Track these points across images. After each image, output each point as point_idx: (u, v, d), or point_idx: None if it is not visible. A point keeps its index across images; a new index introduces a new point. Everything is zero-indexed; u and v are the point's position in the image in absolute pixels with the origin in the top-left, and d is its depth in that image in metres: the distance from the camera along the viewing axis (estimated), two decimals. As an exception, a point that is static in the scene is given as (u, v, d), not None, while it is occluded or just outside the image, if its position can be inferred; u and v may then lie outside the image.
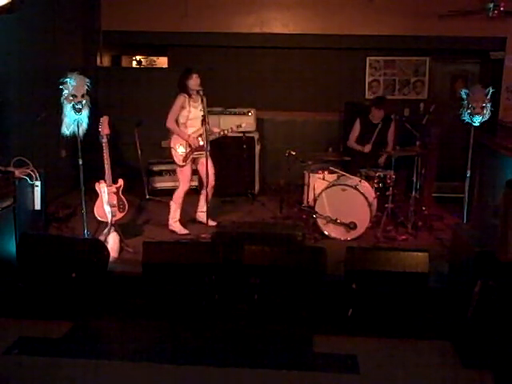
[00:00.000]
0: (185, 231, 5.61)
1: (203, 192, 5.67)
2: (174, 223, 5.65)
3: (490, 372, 3.29)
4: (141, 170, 7.06)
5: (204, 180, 5.50)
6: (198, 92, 5.37)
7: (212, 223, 5.56)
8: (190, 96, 5.47)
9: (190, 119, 5.50)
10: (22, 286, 4.24)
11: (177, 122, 5.51)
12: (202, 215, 5.72)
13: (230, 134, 5.90)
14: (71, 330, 3.82)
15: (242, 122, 6.02)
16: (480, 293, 3.68)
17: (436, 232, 5.77)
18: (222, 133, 5.74)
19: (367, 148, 6.24)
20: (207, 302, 4.13)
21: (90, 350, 3.63)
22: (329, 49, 7.85)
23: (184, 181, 5.58)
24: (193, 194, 7.09)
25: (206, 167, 5.30)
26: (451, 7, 7.15)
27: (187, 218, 6.05)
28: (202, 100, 5.26)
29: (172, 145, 5.52)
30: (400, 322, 3.92)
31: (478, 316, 3.74)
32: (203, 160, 5.42)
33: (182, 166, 5.53)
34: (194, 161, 5.65)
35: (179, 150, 5.49)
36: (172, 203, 5.65)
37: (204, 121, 5.27)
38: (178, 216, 5.66)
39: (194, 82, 5.43)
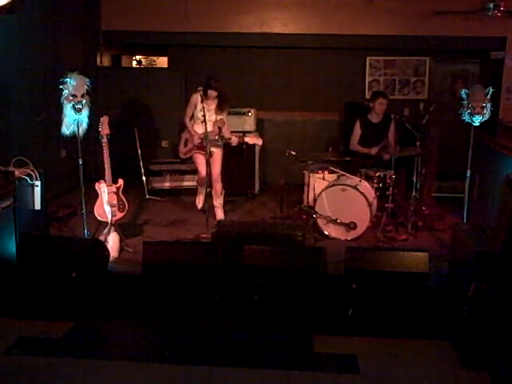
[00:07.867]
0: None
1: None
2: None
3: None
4: (141, 170, 7.06)
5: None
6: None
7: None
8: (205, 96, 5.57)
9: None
10: (21, 286, 4.24)
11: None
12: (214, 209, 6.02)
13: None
14: (71, 330, 3.82)
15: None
16: (474, 295, 3.68)
17: (436, 232, 5.77)
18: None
19: (374, 150, 6.14)
20: (207, 302, 4.13)
21: (89, 349, 3.63)
22: (329, 49, 7.84)
23: (196, 167, 6.00)
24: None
25: (207, 166, 5.49)
26: (451, 7, 7.16)
27: (187, 221, 6.08)
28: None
29: (183, 135, 5.95)
30: (400, 322, 3.92)
31: (478, 316, 3.73)
32: (211, 159, 5.66)
33: (181, 158, 6.04)
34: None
35: (184, 143, 5.90)
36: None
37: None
38: (199, 200, 6.16)
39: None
